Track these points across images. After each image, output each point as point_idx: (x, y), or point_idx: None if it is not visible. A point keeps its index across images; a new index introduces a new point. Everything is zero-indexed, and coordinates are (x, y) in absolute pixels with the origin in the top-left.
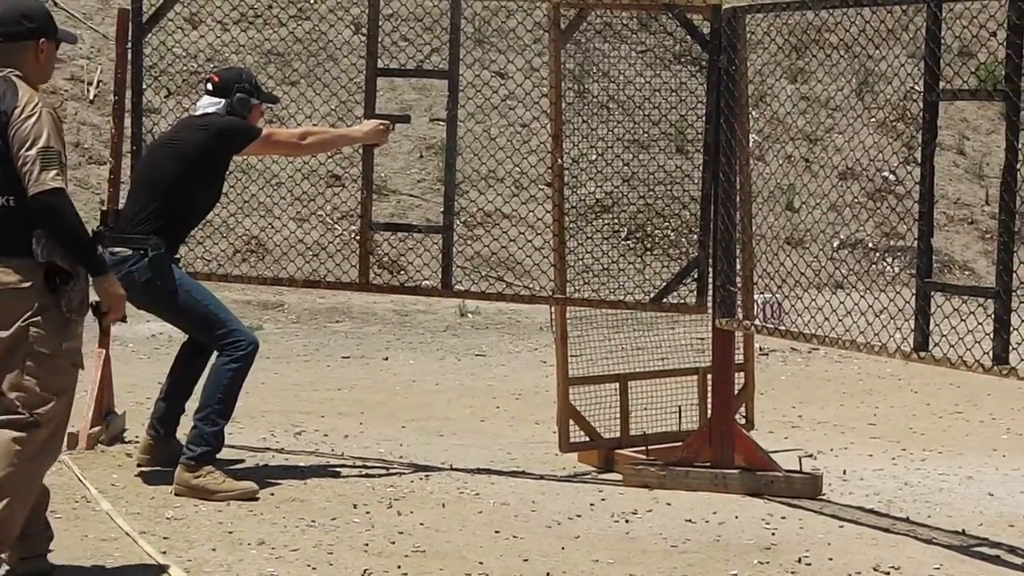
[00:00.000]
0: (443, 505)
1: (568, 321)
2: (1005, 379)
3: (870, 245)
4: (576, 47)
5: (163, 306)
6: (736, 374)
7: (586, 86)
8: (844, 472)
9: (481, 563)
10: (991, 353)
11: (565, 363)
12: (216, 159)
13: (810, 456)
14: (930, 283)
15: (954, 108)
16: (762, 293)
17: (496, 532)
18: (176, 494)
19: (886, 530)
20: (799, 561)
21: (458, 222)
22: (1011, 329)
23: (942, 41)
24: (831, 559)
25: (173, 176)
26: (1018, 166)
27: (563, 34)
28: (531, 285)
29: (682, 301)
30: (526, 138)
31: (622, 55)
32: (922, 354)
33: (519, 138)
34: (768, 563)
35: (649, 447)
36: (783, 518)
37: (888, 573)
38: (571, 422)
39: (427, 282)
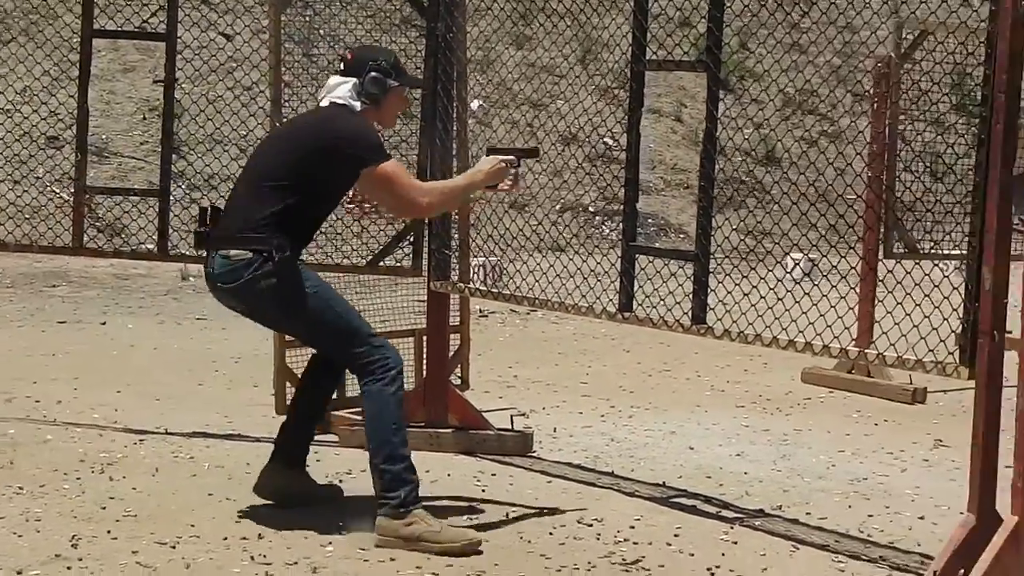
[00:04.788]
0: (157, 470)
1: None
2: (706, 338)
3: (591, 209)
4: (303, 9)
5: (291, 317)
6: (452, 335)
7: (315, 48)
8: (555, 430)
9: (193, 525)
10: (691, 313)
11: None
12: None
13: (522, 415)
14: (634, 247)
15: (673, 76)
16: (477, 256)
17: (209, 495)
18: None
19: (592, 484)
20: (507, 516)
21: (179, 185)
22: (708, 291)
23: (664, 11)
24: (538, 512)
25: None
26: (718, 134)
27: None
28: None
29: (398, 264)
30: (245, 101)
31: (351, 15)
32: (626, 315)
33: (239, 101)
34: (477, 518)
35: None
36: (493, 475)
37: (591, 525)
38: (288, 384)
39: (145, 246)
